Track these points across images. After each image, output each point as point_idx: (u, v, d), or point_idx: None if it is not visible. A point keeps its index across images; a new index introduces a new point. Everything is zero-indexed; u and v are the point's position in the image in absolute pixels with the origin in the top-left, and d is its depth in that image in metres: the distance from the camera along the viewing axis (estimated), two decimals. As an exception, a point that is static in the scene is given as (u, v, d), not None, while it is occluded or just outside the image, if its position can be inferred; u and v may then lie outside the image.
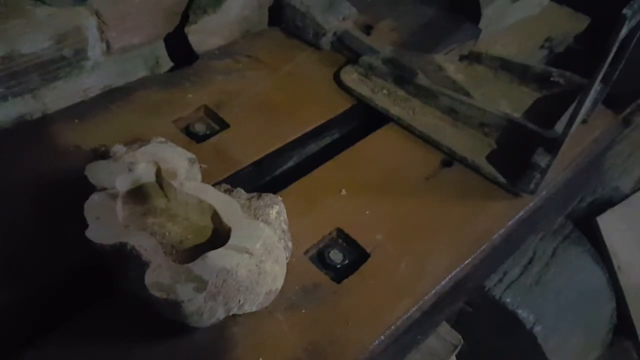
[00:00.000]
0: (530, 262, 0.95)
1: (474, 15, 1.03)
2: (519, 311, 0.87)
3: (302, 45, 0.94)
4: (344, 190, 0.71)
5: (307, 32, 0.93)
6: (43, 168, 0.68)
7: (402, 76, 0.83)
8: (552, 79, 0.84)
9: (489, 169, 0.74)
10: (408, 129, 0.80)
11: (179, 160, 0.60)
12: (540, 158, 0.70)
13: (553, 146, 0.69)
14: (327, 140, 0.84)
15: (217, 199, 0.57)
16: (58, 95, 0.81)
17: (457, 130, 0.79)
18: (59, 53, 0.78)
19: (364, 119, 0.85)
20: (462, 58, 0.89)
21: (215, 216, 0.56)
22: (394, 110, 0.81)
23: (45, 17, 0.76)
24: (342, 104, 0.84)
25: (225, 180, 0.70)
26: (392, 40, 0.94)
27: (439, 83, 0.82)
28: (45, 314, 0.57)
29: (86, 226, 0.52)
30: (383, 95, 0.83)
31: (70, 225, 0.56)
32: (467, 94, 0.80)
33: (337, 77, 0.87)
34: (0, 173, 0.68)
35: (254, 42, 0.93)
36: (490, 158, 0.75)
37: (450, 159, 0.76)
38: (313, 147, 0.83)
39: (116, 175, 0.57)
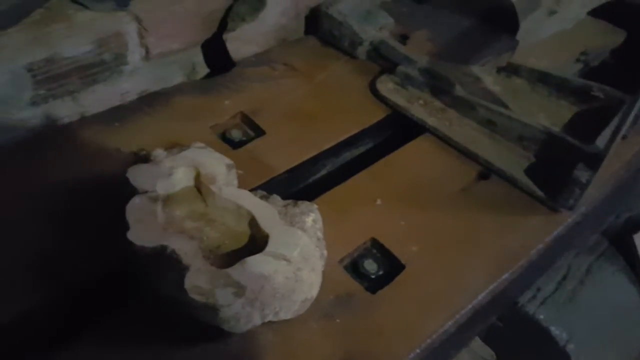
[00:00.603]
0: (564, 278, 0.93)
1: (511, 27, 1.02)
2: (552, 328, 0.86)
3: (338, 54, 0.94)
4: (378, 200, 0.71)
5: (343, 41, 0.93)
6: (83, 169, 0.69)
7: (439, 87, 0.82)
8: (592, 93, 0.83)
9: (527, 183, 0.73)
10: (444, 140, 0.79)
11: (217, 166, 0.61)
12: (581, 173, 0.69)
13: (594, 161, 0.68)
14: (361, 149, 0.84)
15: (254, 205, 0.57)
16: (97, 99, 0.82)
17: (494, 142, 0.78)
18: (99, 57, 0.79)
19: (398, 129, 0.84)
20: (499, 70, 0.88)
21: (253, 222, 0.56)
22: (430, 120, 0.80)
23: (87, 22, 0.78)
24: (377, 114, 0.84)
25: (260, 187, 0.70)
26: (427, 50, 0.94)
27: (476, 94, 0.81)
28: (77, 314, 0.58)
29: (123, 228, 0.53)
30: (419, 106, 0.83)
31: (107, 227, 0.57)
32: (505, 106, 0.79)
33: (372, 87, 0.87)
34: (39, 173, 0.69)
35: (290, 50, 0.94)
36: (528, 172, 0.74)
37: (487, 171, 0.75)
38: (347, 156, 0.82)
39: (157, 179, 0.57)
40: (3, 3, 0.71)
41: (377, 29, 0.92)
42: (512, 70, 0.87)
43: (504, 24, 1.01)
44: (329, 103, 0.84)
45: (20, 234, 0.62)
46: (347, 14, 0.93)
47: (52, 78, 0.76)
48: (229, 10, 0.90)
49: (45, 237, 0.61)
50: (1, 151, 0.73)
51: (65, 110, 0.80)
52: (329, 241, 0.61)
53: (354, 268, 0.63)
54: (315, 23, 0.96)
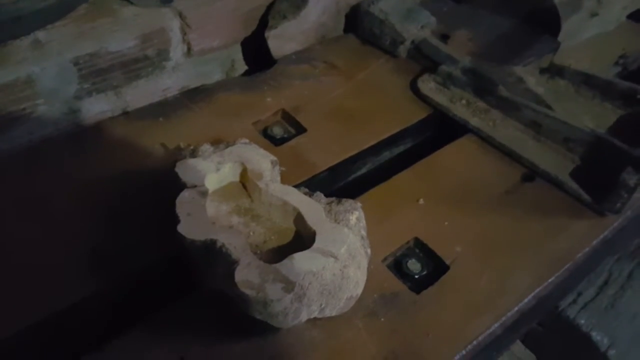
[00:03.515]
0: (605, 283, 0.91)
1: (553, 28, 1.00)
2: (593, 334, 0.84)
3: (378, 52, 0.94)
4: (421, 200, 0.70)
5: (384, 40, 0.93)
6: (129, 163, 0.70)
7: (482, 87, 0.81)
8: (637, 96, 0.81)
9: (573, 186, 0.71)
10: (488, 140, 0.78)
11: (263, 162, 0.61)
12: (629, 177, 0.68)
13: (643, 165, 0.66)
14: (402, 148, 0.83)
15: (301, 201, 0.57)
16: (139, 94, 0.83)
17: (539, 144, 0.76)
18: (143, 52, 0.80)
19: (440, 129, 0.84)
20: (542, 71, 0.87)
21: (299, 218, 0.56)
22: (474, 121, 0.79)
23: (132, 17, 0.79)
24: (418, 113, 0.83)
25: (302, 184, 0.70)
26: (469, 50, 0.93)
27: (520, 95, 0.80)
28: (129, 305, 0.58)
29: (172, 221, 0.53)
30: (462, 106, 0.82)
31: (156, 220, 0.57)
32: (549, 107, 0.78)
33: (413, 86, 0.86)
34: (86, 167, 0.70)
35: (330, 48, 0.94)
36: (573, 174, 0.73)
37: (531, 173, 0.74)
38: (387, 155, 0.82)
39: (205, 174, 0.57)
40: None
41: (419, 27, 0.91)
42: (555, 71, 0.86)
43: (545, 25, 1.00)
44: (370, 101, 0.84)
45: (70, 227, 0.63)
46: (388, 12, 0.92)
47: (96, 72, 0.77)
48: (270, 7, 0.91)
49: (95, 230, 0.62)
50: (47, 143, 0.74)
51: (108, 104, 0.81)
52: (372, 240, 0.60)
53: (398, 267, 0.63)
54: (356, 21, 0.96)
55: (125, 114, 0.81)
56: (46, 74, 0.72)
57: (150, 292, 0.58)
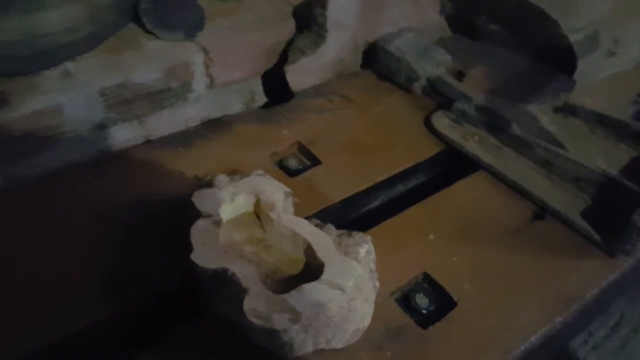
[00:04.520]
0: (617, 324, 0.90)
1: (569, 67, 1.01)
2: (605, 376, 0.83)
3: (394, 88, 0.96)
4: (431, 235, 0.71)
5: (400, 76, 0.95)
6: (148, 190, 0.73)
7: (495, 124, 0.83)
8: (652, 138, 0.82)
9: (584, 226, 0.72)
10: (499, 177, 0.79)
11: (276, 193, 0.63)
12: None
13: (655, 207, 0.67)
14: (415, 183, 0.85)
15: (311, 233, 0.59)
16: (162, 123, 0.86)
17: (550, 182, 0.77)
18: (167, 84, 0.83)
19: (452, 165, 0.85)
20: (556, 110, 0.88)
21: (309, 250, 0.58)
22: (486, 158, 0.81)
23: (157, 51, 0.82)
24: (431, 148, 0.85)
25: (315, 215, 0.71)
26: (484, 88, 0.94)
27: (533, 134, 0.81)
28: (140, 327, 0.60)
29: (186, 248, 0.55)
30: (474, 142, 0.83)
31: (170, 246, 0.59)
32: (562, 146, 0.79)
33: (427, 122, 0.88)
34: (107, 191, 0.73)
35: (347, 83, 0.96)
36: (584, 214, 0.73)
37: (542, 212, 0.75)
38: (400, 189, 0.83)
39: (219, 204, 0.60)
40: (80, 31, 0.75)
41: (434, 65, 0.93)
42: (569, 110, 0.87)
43: (561, 63, 1.01)
44: (384, 136, 0.86)
45: (88, 249, 0.65)
46: (404, 50, 0.95)
47: (122, 102, 0.80)
48: (290, 43, 0.94)
49: (111, 253, 0.64)
50: (71, 168, 0.77)
51: (132, 133, 0.84)
52: (381, 273, 0.61)
53: (405, 301, 0.64)
54: (373, 57, 0.99)
55: (148, 142, 0.84)
56: (74, 104, 0.75)
57: (163, 315, 0.60)
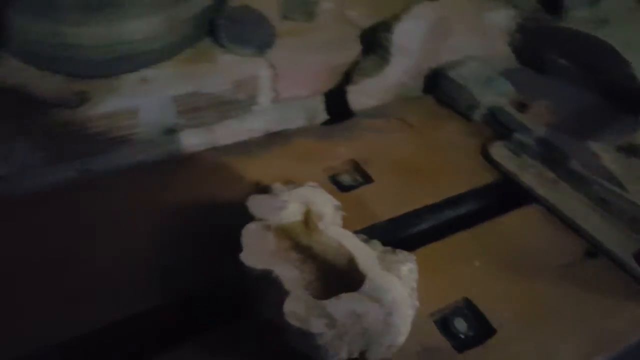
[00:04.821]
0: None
1: (636, 107, 0.99)
2: None
3: (453, 114, 0.97)
4: (477, 262, 0.71)
5: (461, 104, 0.96)
6: (207, 192, 0.77)
7: (553, 158, 0.82)
8: None
9: (635, 267, 0.70)
10: (553, 212, 0.78)
11: (326, 205, 0.65)
12: (696, 267, 0.66)
13: None
14: (465, 209, 0.85)
15: (355, 246, 0.60)
16: (227, 132, 0.91)
17: (605, 221, 0.75)
18: (235, 96, 0.88)
19: (506, 195, 0.85)
20: (619, 149, 0.86)
21: (352, 262, 0.60)
22: (541, 190, 0.80)
23: (228, 64, 0.88)
24: (486, 177, 0.85)
25: (362, 231, 0.73)
26: (546, 121, 0.93)
27: (592, 171, 0.80)
28: (184, 322, 0.63)
29: (237, 249, 0.59)
30: (531, 175, 0.83)
31: (223, 246, 0.63)
32: (621, 186, 0.77)
33: (484, 150, 0.88)
34: (168, 191, 0.78)
35: (406, 107, 0.98)
36: (637, 256, 0.71)
37: (594, 250, 0.73)
38: (449, 214, 0.84)
39: (272, 210, 0.63)
40: (159, 41, 0.82)
41: (496, 95, 0.94)
42: (632, 150, 0.85)
43: (628, 103, 0.99)
44: (439, 161, 0.87)
45: (147, 242, 0.70)
46: (467, 77, 0.96)
47: (192, 110, 0.86)
48: (354, 64, 0.97)
49: (168, 249, 0.69)
50: (140, 167, 0.83)
51: (199, 138, 0.89)
52: (422, 293, 0.62)
53: (444, 324, 0.64)
54: (435, 83, 1.00)
55: (213, 149, 0.89)
56: (148, 108, 0.81)
57: (209, 312, 0.63)
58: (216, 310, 0.63)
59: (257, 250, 0.58)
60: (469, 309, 0.66)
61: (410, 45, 0.96)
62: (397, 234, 0.79)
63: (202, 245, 0.69)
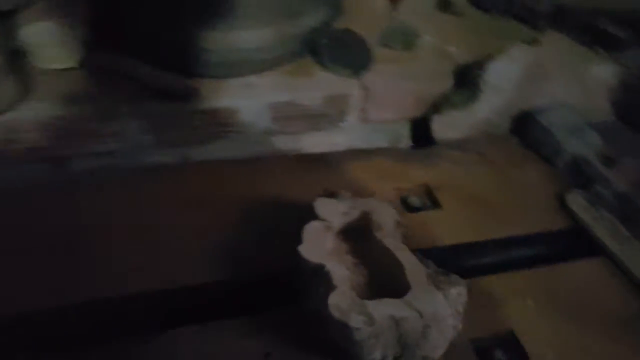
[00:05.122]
0: None
1: None
2: None
3: (536, 158, 0.97)
4: (530, 301, 0.72)
5: (545, 148, 0.96)
6: (284, 191, 0.84)
7: (631, 216, 0.81)
8: None
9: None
10: (620, 268, 0.77)
11: (387, 219, 0.69)
12: None
13: None
14: (530, 251, 0.85)
15: (407, 259, 0.64)
16: (313, 142, 0.97)
17: (674, 285, 0.73)
18: (326, 110, 0.95)
19: (575, 244, 0.84)
20: None
21: (401, 273, 0.63)
22: (612, 245, 0.79)
23: (325, 81, 0.94)
24: (558, 223, 0.85)
25: (421, 251, 0.76)
26: (630, 179, 0.91)
27: (670, 232, 0.77)
28: (238, 300, 0.70)
29: (297, 242, 0.64)
30: (604, 228, 0.82)
31: (286, 239, 0.69)
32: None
33: (560, 196, 0.88)
34: (251, 185, 0.86)
35: (490, 143, 1.00)
36: None
37: (657, 311, 0.71)
38: (513, 252, 0.84)
39: (336, 213, 0.68)
40: (268, 52, 0.90)
41: (583, 144, 0.93)
42: None
43: None
44: (512, 199, 0.88)
45: (221, 226, 0.77)
46: (556, 123, 0.96)
47: (285, 118, 0.93)
48: (444, 96, 1.00)
49: (238, 235, 0.76)
50: (231, 162, 0.91)
51: (286, 144, 0.96)
52: (469, 319, 0.64)
53: (483, 352, 0.66)
54: (522, 124, 1.01)
55: (297, 155, 0.96)
56: (248, 110, 0.90)
57: (263, 296, 0.69)
58: (275, 293, 0.69)
59: (315, 245, 0.63)
60: (511, 343, 0.67)
61: (502, 84, 0.98)
62: (456, 261, 0.81)
63: (268, 234, 0.76)
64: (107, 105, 0.83)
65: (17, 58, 0.83)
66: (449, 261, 0.79)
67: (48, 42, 0.84)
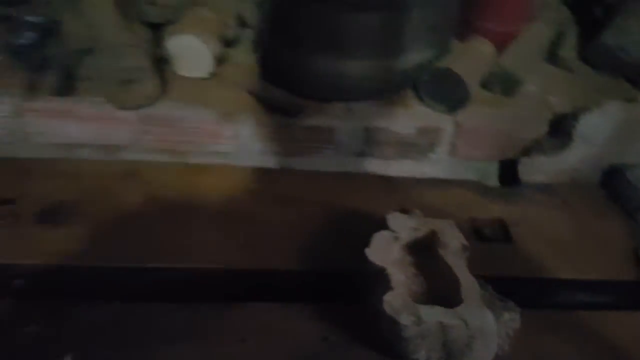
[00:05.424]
0: None
1: None
2: None
3: (619, 211, 0.98)
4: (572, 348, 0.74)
5: (630, 204, 0.97)
6: (366, 207, 0.93)
7: None
8: None
9: None
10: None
11: (453, 240, 0.75)
12: None
13: None
14: (597, 298, 0.85)
15: (465, 277, 0.70)
16: (401, 168, 1.05)
17: None
18: (416, 141, 1.02)
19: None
20: None
21: (457, 288, 0.69)
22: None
23: (419, 113, 1.01)
24: (631, 275, 0.85)
25: (483, 276, 0.80)
26: None
27: None
28: (307, 290, 0.80)
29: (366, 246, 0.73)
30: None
31: (357, 243, 0.77)
32: None
33: (637, 251, 0.88)
34: (336, 197, 0.95)
35: (574, 192, 1.02)
36: None
37: None
38: (579, 296, 0.85)
39: (406, 228, 0.75)
40: (374, 82, 0.99)
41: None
42: None
43: None
44: (587, 246, 0.90)
45: (306, 227, 0.88)
46: (644, 181, 0.96)
47: (377, 142, 1.02)
48: (536, 142, 1.04)
49: (318, 237, 0.87)
50: (319, 175, 1.01)
51: (374, 167, 1.05)
52: (518, 343, 0.68)
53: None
54: (610, 178, 1.02)
55: (383, 177, 1.04)
56: (343, 131, 1.00)
57: (328, 291, 0.78)
58: (340, 288, 0.78)
59: (381, 251, 0.71)
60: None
61: (593, 137, 1.00)
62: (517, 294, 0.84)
63: (345, 237, 0.84)
64: (228, 111, 0.97)
65: (161, 63, 1.00)
66: (509, 290, 0.83)
67: (186, 53, 1.00)
